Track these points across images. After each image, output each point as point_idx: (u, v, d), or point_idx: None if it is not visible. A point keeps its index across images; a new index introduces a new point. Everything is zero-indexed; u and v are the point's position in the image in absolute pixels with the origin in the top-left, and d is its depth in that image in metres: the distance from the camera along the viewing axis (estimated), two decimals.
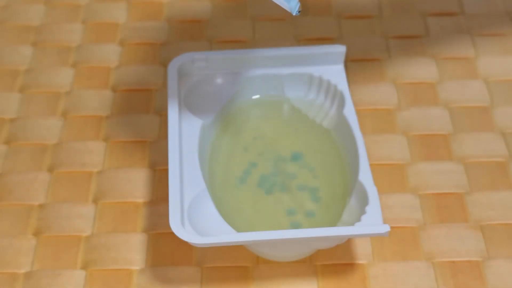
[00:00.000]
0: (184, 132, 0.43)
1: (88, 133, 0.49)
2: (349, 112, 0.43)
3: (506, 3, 0.56)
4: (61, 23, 0.56)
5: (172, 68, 0.45)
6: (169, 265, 0.42)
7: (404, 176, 0.46)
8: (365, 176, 0.40)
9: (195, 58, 0.45)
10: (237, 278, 0.42)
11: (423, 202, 0.45)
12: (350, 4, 0.57)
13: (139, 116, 0.49)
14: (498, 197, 0.45)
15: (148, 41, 0.54)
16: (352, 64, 0.52)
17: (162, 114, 0.50)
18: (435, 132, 0.48)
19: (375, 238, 0.43)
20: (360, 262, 0.42)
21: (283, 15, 0.56)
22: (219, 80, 0.46)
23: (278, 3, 0.37)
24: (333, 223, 0.41)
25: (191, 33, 0.55)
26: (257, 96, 0.47)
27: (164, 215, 0.44)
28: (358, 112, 0.49)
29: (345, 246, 0.43)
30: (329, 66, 0.46)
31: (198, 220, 0.39)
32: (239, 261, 0.42)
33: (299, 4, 0.37)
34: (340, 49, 0.46)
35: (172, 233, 0.44)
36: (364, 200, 0.40)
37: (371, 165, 0.47)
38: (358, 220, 0.39)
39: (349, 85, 0.51)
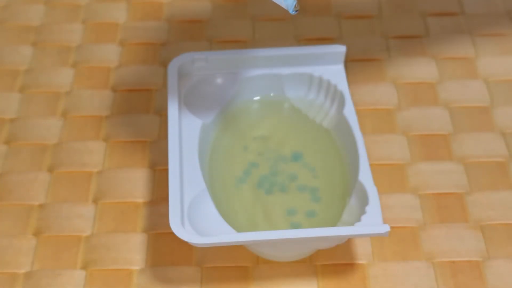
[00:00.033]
0: (184, 132, 0.43)
1: (88, 133, 0.49)
2: (349, 112, 0.43)
3: (506, 3, 0.56)
4: (61, 23, 0.56)
5: (172, 68, 0.45)
6: (169, 265, 0.42)
7: (404, 176, 0.46)
8: (365, 176, 0.40)
9: (195, 58, 0.45)
10: (237, 278, 0.42)
11: (423, 202, 0.45)
12: (350, 4, 0.57)
13: (139, 116, 0.49)
14: (498, 197, 0.45)
15: (148, 41, 0.54)
16: (352, 64, 0.52)
17: (162, 114, 0.50)
18: (435, 132, 0.48)
19: (375, 238, 0.43)
20: (360, 262, 0.42)
21: (283, 15, 0.56)
22: (219, 80, 0.46)
23: (275, 1, 0.37)
24: (333, 223, 0.41)
25: (191, 33, 0.55)
26: (257, 96, 0.47)
27: (164, 215, 0.44)
28: (358, 112, 0.49)
29: (345, 246, 0.43)
30: (329, 66, 0.46)
31: (198, 220, 0.39)
32: (239, 261, 0.42)
33: (295, 2, 0.37)
34: (340, 49, 0.46)
35: (172, 233, 0.44)
36: (364, 200, 0.40)
37: (371, 165, 0.47)
38: (358, 220, 0.39)
39: (349, 85, 0.51)
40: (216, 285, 0.41)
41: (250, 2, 0.57)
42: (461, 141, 0.48)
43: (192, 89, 0.46)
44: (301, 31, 0.55)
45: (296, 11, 0.38)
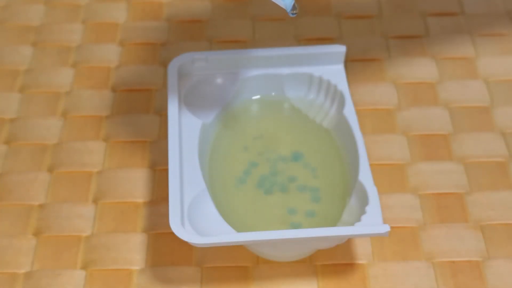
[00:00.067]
0: (184, 132, 0.43)
1: (88, 133, 0.49)
2: (349, 112, 0.43)
3: (506, 3, 0.56)
4: (61, 23, 0.56)
5: (172, 68, 0.45)
6: (169, 265, 0.42)
7: (404, 176, 0.46)
8: (365, 176, 0.40)
9: (195, 58, 0.45)
10: (237, 278, 0.42)
11: (423, 202, 0.45)
12: (350, 4, 0.57)
13: (139, 116, 0.49)
14: (498, 197, 0.45)
15: (148, 41, 0.54)
16: (352, 64, 0.52)
17: (162, 114, 0.50)
18: (435, 132, 0.48)
19: (375, 238, 0.43)
20: (360, 262, 0.42)
21: (283, 15, 0.56)
22: (219, 80, 0.46)
23: (274, 0, 0.37)
24: (333, 223, 0.41)
25: (191, 33, 0.55)
26: (257, 96, 0.47)
27: (164, 215, 0.44)
28: (358, 112, 0.49)
29: (345, 246, 0.43)
30: (329, 66, 0.46)
31: (198, 220, 0.39)
32: (239, 261, 0.42)
33: (294, 1, 0.37)
34: (340, 49, 0.46)
35: (172, 233, 0.44)
36: (364, 200, 0.40)
37: (371, 165, 0.47)
38: (358, 220, 0.39)
39: (349, 85, 0.51)
40: (216, 285, 0.41)
41: (250, 2, 0.57)
42: (461, 141, 0.48)
43: (192, 89, 0.45)
44: (301, 31, 0.55)
45: (294, 13, 0.38)
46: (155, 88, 0.51)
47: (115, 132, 0.49)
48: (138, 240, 0.43)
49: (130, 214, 0.44)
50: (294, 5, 0.38)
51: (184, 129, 0.43)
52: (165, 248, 0.43)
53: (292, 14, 0.38)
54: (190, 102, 0.45)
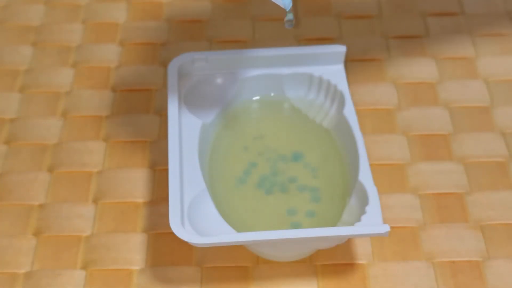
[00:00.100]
0: (184, 132, 0.43)
1: (88, 133, 0.49)
2: (349, 112, 0.43)
3: (506, 3, 0.56)
4: (61, 23, 0.56)
5: (172, 68, 0.45)
6: (169, 265, 0.42)
7: (404, 176, 0.46)
8: (365, 176, 0.40)
9: (195, 58, 0.45)
10: (237, 278, 0.42)
11: (423, 202, 0.45)
12: (350, 4, 0.57)
13: (139, 116, 0.49)
14: (498, 197, 0.45)
15: (148, 41, 0.54)
16: (352, 64, 0.52)
17: (162, 114, 0.50)
18: (435, 132, 0.48)
19: (375, 238, 0.43)
20: (360, 262, 0.42)
21: (283, 15, 0.56)
22: (219, 80, 0.46)
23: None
24: (333, 223, 0.41)
25: (191, 33, 0.55)
26: (257, 96, 0.47)
27: (164, 215, 0.44)
28: (358, 112, 0.49)
29: (345, 246, 0.43)
30: (329, 66, 0.46)
31: (198, 220, 0.39)
32: (239, 261, 0.42)
33: (291, 3, 0.37)
34: (340, 49, 0.46)
35: (172, 233, 0.44)
36: (364, 200, 0.40)
37: (371, 165, 0.47)
38: (358, 220, 0.39)
39: (349, 85, 0.51)
40: (216, 285, 0.41)
41: (250, 2, 0.57)
42: (461, 141, 0.48)
43: (192, 89, 0.45)
44: (301, 31, 0.55)
45: (291, 24, 0.38)
46: (155, 88, 0.51)
47: (115, 132, 0.49)
48: (138, 240, 0.43)
49: (130, 214, 0.44)
50: (291, 21, 0.39)
51: (184, 129, 0.43)
52: (165, 248, 0.43)
53: (289, 25, 0.39)
54: (190, 102, 0.45)
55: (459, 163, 0.47)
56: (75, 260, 0.42)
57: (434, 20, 0.55)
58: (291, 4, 0.37)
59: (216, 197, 0.42)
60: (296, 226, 0.41)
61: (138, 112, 0.50)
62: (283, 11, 0.56)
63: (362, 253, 0.42)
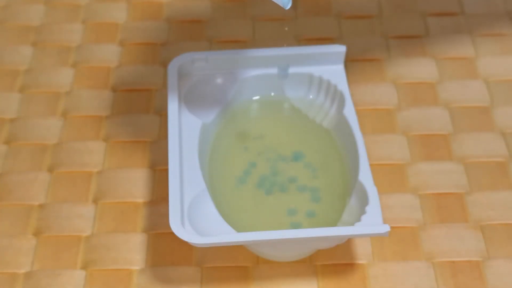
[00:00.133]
0: (184, 132, 0.43)
1: (88, 133, 0.49)
2: (349, 112, 0.43)
3: (506, 3, 0.56)
4: (61, 23, 0.56)
5: (172, 68, 0.45)
6: (169, 265, 0.42)
7: (404, 176, 0.46)
8: (365, 176, 0.40)
9: (195, 58, 0.45)
10: (237, 278, 0.42)
11: (423, 202, 0.45)
12: (350, 4, 0.57)
13: (139, 116, 0.49)
14: (498, 197, 0.45)
15: (148, 41, 0.54)
16: (352, 64, 0.52)
17: (162, 114, 0.50)
18: (435, 132, 0.48)
19: (375, 238, 0.43)
20: (360, 262, 0.42)
21: (283, 15, 0.56)
22: (219, 80, 0.46)
23: None
24: (333, 223, 0.41)
25: (191, 33, 0.55)
26: (257, 96, 0.47)
27: (164, 215, 0.44)
28: (358, 112, 0.49)
29: (345, 246, 0.43)
30: (329, 66, 0.46)
31: (198, 220, 0.39)
32: (239, 261, 0.42)
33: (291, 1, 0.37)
34: (340, 49, 0.45)
35: (172, 233, 0.44)
36: (364, 200, 0.40)
37: (371, 165, 0.47)
38: (358, 220, 0.39)
39: (349, 85, 0.51)
40: (216, 285, 0.41)
41: (250, 2, 0.57)
42: (461, 141, 0.48)
43: (192, 89, 0.45)
44: (301, 31, 0.55)
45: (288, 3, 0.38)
46: (155, 88, 0.51)
47: (115, 132, 0.49)
48: (138, 240, 0.43)
49: (130, 214, 0.44)
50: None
51: (184, 129, 0.43)
52: (165, 248, 0.43)
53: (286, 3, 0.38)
54: (190, 102, 0.45)
55: (459, 163, 0.47)
56: (75, 260, 0.42)
57: (434, 20, 0.55)
58: (290, 3, 0.37)
59: (216, 197, 0.42)
60: (296, 226, 0.41)
61: (138, 112, 0.50)
62: (283, 11, 0.56)
63: (362, 253, 0.42)
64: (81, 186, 0.46)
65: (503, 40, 0.54)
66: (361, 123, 0.49)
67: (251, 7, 0.57)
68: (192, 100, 0.45)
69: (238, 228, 0.41)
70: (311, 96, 0.46)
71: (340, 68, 0.46)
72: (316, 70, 0.46)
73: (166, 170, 0.46)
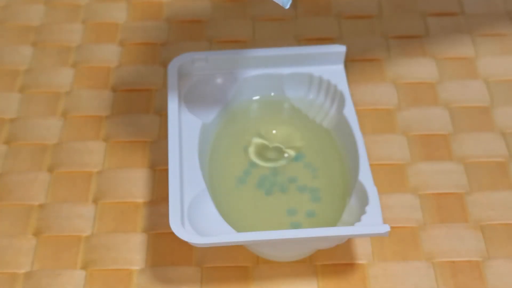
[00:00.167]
0: (184, 132, 0.43)
1: (88, 133, 0.49)
2: (349, 112, 0.43)
3: (506, 3, 0.56)
4: (61, 23, 0.56)
5: (172, 68, 0.45)
6: (169, 265, 0.42)
7: (404, 176, 0.46)
8: (365, 176, 0.40)
9: (195, 58, 0.45)
10: (237, 278, 0.42)
11: (423, 202, 0.45)
12: (350, 4, 0.57)
13: (139, 116, 0.49)
14: (498, 197, 0.45)
15: (148, 41, 0.54)
16: (352, 64, 0.52)
17: (162, 114, 0.50)
18: (435, 132, 0.48)
19: (375, 238, 0.43)
20: (360, 262, 0.42)
21: (283, 15, 0.56)
22: (219, 80, 0.46)
23: None
24: (333, 223, 0.41)
25: (191, 33, 0.55)
26: (257, 96, 0.47)
27: (164, 215, 0.44)
28: (358, 112, 0.49)
29: (345, 246, 0.43)
30: (329, 66, 0.46)
31: (198, 220, 0.39)
32: (239, 261, 0.42)
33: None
34: (340, 49, 0.46)
35: (172, 233, 0.44)
36: (364, 200, 0.40)
37: (371, 165, 0.47)
38: (358, 220, 0.39)
39: (349, 85, 0.51)
40: (216, 285, 0.41)
41: (250, 2, 0.57)
42: (461, 141, 0.48)
43: (192, 89, 0.46)
44: (301, 31, 0.55)
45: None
46: (155, 88, 0.51)
47: (115, 132, 0.49)
48: (138, 240, 0.43)
49: (130, 214, 0.44)
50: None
51: (184, 129, 0.43)
52: (165, 248, 0.43)
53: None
54: (190, 102, 0.45)
55: (459, 163, 0.47)
56: (75, 260, 0.42)
57: (434, 20, 0.55)
58: (290, 2, 0.37)
59: (216, 197, 0.42)
60: (296, 226, 0.41)
61: (138, 112, 0.50)
62: (283, 11, 0.56)
63: (362, 253, 0.42)
64: (81, 186, 0.46)
65: (503, 40, 0.54)
66: (361, 123, 0.49)
67: (251, 7, 0.57)
68: (192, 100, 0.45)
69: (238, 228, 0.41)
70: (311, 96, 0.46)
71: (340, 68, 0.46)
72: (316, 70, 0.46)
73: (166, 170, 0.46)
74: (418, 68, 0.52)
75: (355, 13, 0.56)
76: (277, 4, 0.56)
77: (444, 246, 0.43)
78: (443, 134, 0.48)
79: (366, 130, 0.48)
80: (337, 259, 0.42)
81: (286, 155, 0.44)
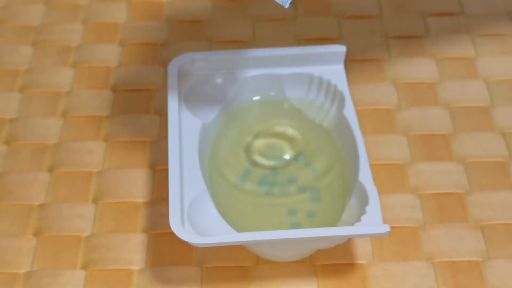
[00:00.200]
0: (184, 132, 0.43)
1: (88, 133, 0.49)
2: (349, 112, 0.43)
3: (506, 3, 0.56)
4: (61, 23, 0.56)
5: (172, 68, 0.45)
6: (169, 265, 0.42)
7: (404, 176, 0.46)
8: (365, 176, 0.40)
9: (195, 58, 0.45)
10: (237, 278, 0.42)
11: (423, 202, 0.45)
12: (350, 4, 0.57)
13: (139, 116, 0.49)
14: (498, 197, 0.45)
15: (148, 41, 0.54)
16: (352, 64, 0.52)
17: (162, 114, 0.50)
18: (435, 132, 0.48)
19: (375, 238, 0.43)
20: (360, 262, 0.42)
21: (283, 15, 0.56)
22: (219, 80, 0.46)
23: None
24: (333, 223, 0.41)
25: (191, 33, 0.55)
26: (257, 96, 0.47)
27: (164, 215, 0.44)
28: (358, 112, 0.49)
29: (345, 246, 0.43)
30: (329, 66, 0.46)
31: (198, 220, 0.39)
32: (239, 261, 0.42)
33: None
34: (340, 49, 0.46)
35: (172, 233, 0.44)
36: (364, 200, 0.40)
37: (371, 165, 0.47)
38: (358, 220, 0.39)
39: (349, 85, 0.51)
40: (216, 285, 0.41)
41: (250, 2, 0.57)
42: (461, 141, 0.48)
43: (192, 89, 0.46)
44: (301, 31, 0.55)
45: (290, 3, 0.38)
46: (155, 88, 0.51)
47: (115, 132, 0.49)
48: (138, 240, 0.43)
49: (130, 214, 0.44)
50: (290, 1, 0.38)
51: (184, 129, 0.43)
52: (165, 248, 0.43)
53: (288, 5, 0.38)
54: (190, 102, 0.45)
55: (459, 163, 0.47)
56: (75, 260, 0.42)
57: (434, 20, 0.55)
58: (289, 1, 0.37)
59: (216, 197, 0.42)
60: (296, 226, 0.41)
61: (138, 112, 0.50)
62: (283, 11, 0.56)
63: (362, 253, 0.42)
64: (81, 186, 0.46)
65: (503, 40, 0.54)
66: (361, 123, 0.49)
67: (251, 7, 0.57)
68: (192, 100, 0.45)
69: (238, 228, 0.41)
70: (311, 96, 0.46)
71: (340, 68, 0.46)
72: (316, 70, 0.46)
73: (166, 170, 0.46)
74: (418, 68, 0.52)
75: (355, 13, 0.56)
76: (277, 4, 0.56)
77: (444, 246, 0.43)
78: (443, 134, 0.48)
79: (366, 130, 0.48)
80: (337, 259, 0.42)
81: (286, 155, 0.44)
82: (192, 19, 0.56)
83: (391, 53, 0.53)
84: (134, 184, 0.46)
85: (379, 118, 0.49)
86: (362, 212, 0.39)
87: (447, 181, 0.46)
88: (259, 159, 0.44)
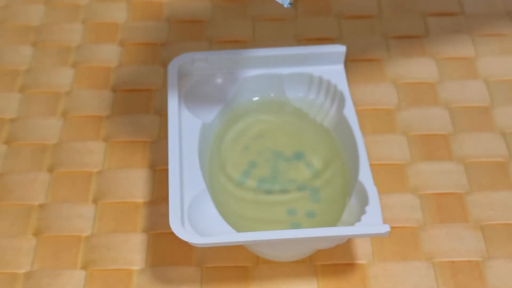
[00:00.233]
0: (184, 132, 0.43)
1: (88, 133, 0.49)
2: (349, 112, 0.43)
3: (506, 3, 0.56)
4: (61, 23, 0.56)
5: (172, 68, 0.45)
6: (169, 265, 0.42)
7: (404, 176, 0.46)
8: (365, 176, 0.40)
9: (195, 58, 0.45)
10: (237, 278, 0.42)
11: (423, 202, 0.45)
12: (350, 4, 0.57)
13: (139, 116, 0.49)
14: (498, 197, 0.45)
15: (148, 41, 0.54)
16: (352, 64, 0.52)
17: (162, 114, 0.50)
18: (435, 132, 0.48)
19: (375, 238, 0.43)
20: (360, 262, 0.42)
21: (283, 15, 0.56)
22: (219, 80, 0.46)
23: None
24: (333, 223, 0.41)
25: (191, 33, 0.55)
26: (257, 96, 0.47)
27: (164, 215, 0.44)
28: (358, 112, 0.49)
29: (345, 246, 0.43)
30: (329, 66, 0.46)
31: (198, 220, 0.39)
32: (239, 261, 0.42)
33: None
34: (340, 49, 0.46)
35: (172, 233, 0.44)
36: (364, 200, 0.40)
37: (371, 165, 0.47)
38: (358, 220, 0.39)
39: (349, 85, 0.51)
40: (216, 285, 0.41)
41: (250, 2, 0.57)
42: (461, 141, 0.48)
43: (192, 89, 0.46)
44: (301, 31, 0.55)
45: (290, 4, 0.38)
46: (155, 88, 0.51)
47: (115, 132, 0.49)
48: (138, 240, 0.43)
49: (130, 214, 0.44)
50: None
51: (184, 129, 0.43)
52: (165, 248, 0.43)
53: (288, 5, 0.38)
54: (190, 102, 0.45)
55: (459, 163, 0.47)
56: (75, 260, 0.42)
57: (434, 20, 0.55)
58: (289, 1, 0.37)
59: (216, 197, 0.42)
60: (296, 226, 0.41)
61: (138, 112, 0.50)
62: (283, 11, 0.56)
63: (362, 253, 0.42)
64: (81, 186, 0.46)
65: (503, 40, 0.54)
66: (361, 123, 0.49)
67: (251, 7, 0.57)
68: (192, 100, 0.45)
69: (238, 228, 0.41)
70: (311, 96, 0.46)
71: (340, 68, 0.46)
72: (316, 70, 0.46)
73: (166, 170, 0.46)
74: (418, 68, 0.52)
75: (355, 13, 0.56)
76: (277, 4, 0.56)
77: (444, 246, 0.43)
78: (443, 134, 0.48)
79: (366, 130, 0.48)
80: (337, 259, 0.42)
81: (286, 155, 0.44)
82: (192, 19, 0.56)
83: (391, 53, 0.53)
84: (134, 184, 0.46)
85: (379, 118, 0.49)
86: (362, 212, 0.39)
87: (447, 181, 0.46)
88: (259, 159, 0.44)
